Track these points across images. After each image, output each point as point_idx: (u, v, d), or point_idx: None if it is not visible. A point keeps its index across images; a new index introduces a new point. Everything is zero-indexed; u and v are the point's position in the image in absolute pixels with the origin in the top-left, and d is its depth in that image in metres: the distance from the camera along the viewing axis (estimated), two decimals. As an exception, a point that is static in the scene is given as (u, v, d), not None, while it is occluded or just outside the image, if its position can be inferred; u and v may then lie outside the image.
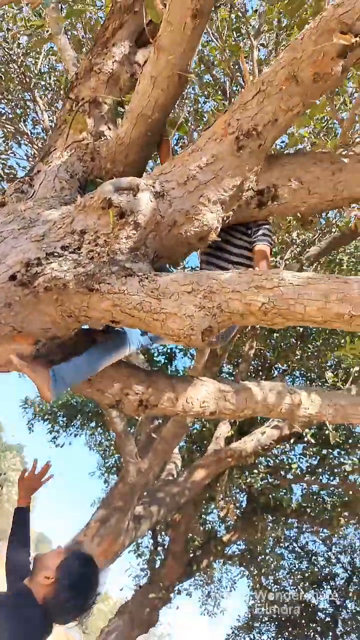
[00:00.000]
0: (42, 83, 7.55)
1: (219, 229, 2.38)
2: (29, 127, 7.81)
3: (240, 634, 13.22)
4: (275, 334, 8.50)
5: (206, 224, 2.29)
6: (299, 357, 8.57)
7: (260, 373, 9.54)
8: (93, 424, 11.21)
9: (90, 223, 2.14)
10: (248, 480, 9.65)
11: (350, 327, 1.90)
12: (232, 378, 8.18)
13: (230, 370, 9.75)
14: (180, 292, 1.99)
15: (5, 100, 7.40)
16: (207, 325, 1.97)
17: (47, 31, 3.91)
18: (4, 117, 7.50)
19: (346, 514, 10.01)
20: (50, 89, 7.62)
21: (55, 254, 2.09)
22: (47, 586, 2.04)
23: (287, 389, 3.12)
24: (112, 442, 11.29)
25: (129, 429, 7.24)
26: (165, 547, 10.52)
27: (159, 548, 11.11)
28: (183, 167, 2.29)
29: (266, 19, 5.02)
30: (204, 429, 9.69)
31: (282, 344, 8.83)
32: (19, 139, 7.54)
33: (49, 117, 7.96)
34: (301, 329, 8.26)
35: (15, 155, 7.71)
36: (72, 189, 2.54)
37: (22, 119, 7.72)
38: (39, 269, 2.05)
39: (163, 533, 11.06)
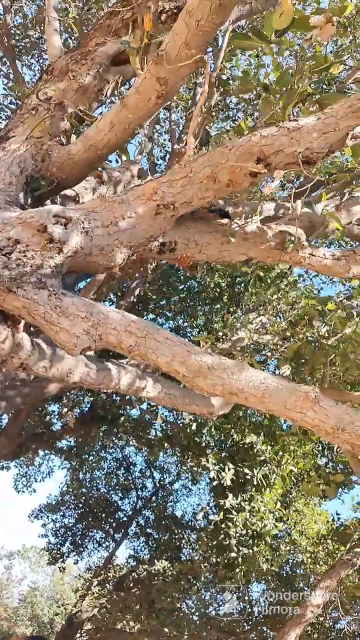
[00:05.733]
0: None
1: (121, 265, 3.04)
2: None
3: (45, 512, 14.86)
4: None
5: (113, 261, 2.94)
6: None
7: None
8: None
9: (25, 237, 2.70)
10: (92, 398, 10.69)
11: (183, 382, 2.74)
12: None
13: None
14: (76, 315, 2.68)
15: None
16: (87, 346, 2.69)
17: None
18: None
19: (167, 444, 11.49)
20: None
21: (-10, 252, 2.65)
22: None
23: (139, 375, 3.97)
24: None
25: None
26: (2, 426, 11.41)
27: (-4, 425, 11.97)
28: (111, 213, 2.89)
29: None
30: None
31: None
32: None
33: None
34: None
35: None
36: (18, 185, 3.02)
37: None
38: (-26, 261, 2.61)
39: (5, 415, 11.87)
